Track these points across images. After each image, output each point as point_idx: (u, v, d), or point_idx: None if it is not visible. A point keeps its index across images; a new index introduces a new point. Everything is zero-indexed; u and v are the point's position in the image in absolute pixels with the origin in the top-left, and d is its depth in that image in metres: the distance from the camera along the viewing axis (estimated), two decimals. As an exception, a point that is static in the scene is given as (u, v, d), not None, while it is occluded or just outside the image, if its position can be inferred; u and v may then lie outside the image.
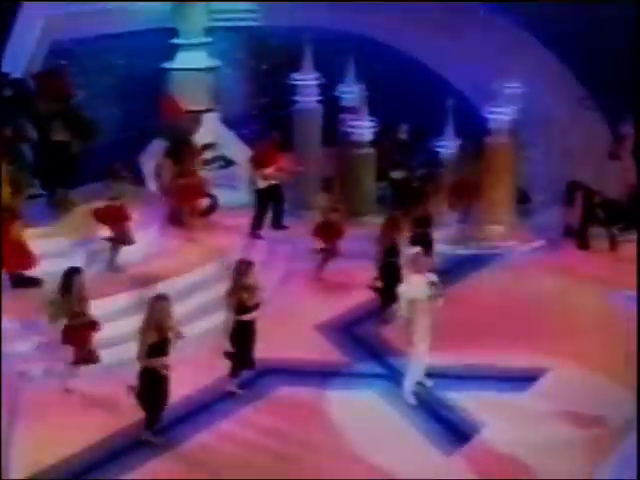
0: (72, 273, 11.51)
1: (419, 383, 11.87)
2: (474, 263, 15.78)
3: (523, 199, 18.04)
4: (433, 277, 11.54)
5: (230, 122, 17.70)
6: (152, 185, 16.68)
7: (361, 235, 15.46)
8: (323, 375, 12.19)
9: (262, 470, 10.14)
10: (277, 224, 16.12)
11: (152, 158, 16.70)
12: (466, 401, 11.40)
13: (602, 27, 17.05)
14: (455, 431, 10.87)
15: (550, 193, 18.38)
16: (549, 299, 14.40)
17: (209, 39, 17.17)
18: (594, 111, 17.64)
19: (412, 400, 11.62)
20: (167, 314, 10.40)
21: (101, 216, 13.29)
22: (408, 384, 11.73)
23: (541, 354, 12.45)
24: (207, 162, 16.63)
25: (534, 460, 10.24)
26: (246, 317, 11.43)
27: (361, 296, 14.18)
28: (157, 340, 10.24)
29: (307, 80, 16.84)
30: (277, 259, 15.28)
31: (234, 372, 11.63)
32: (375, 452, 10.42)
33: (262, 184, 15.66)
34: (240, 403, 11.47)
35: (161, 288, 12.11)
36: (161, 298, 10.52)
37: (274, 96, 18.58)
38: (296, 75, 16.91)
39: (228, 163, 17.70)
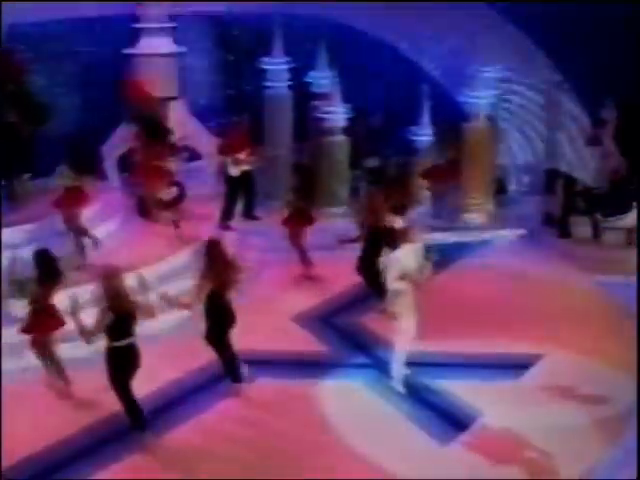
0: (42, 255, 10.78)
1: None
2: (454, 252, 15.03)
3: (499, 189, 17.42)
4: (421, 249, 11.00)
5: (195, 114, 16.81)
6: (114, 177, 15.94)
7: (334, 226, 14.90)
8: (303, 366, 11.43)
9: (243, 463, 9.36)
10: (248, 214, 15.30)
11: (115, 150, 15.89)
12: (460, 389, 10.70)
13: (577, 9, 16.50)
14: (451, 419, 10.17)
15: (526, 183, 17.86)
16: (534, 287, 13.77)
17: (173, 24, 16.31)
18: (570, 96, 17.04)
19: (401, 388, 10.92)
20: (120, 291, 9.48)
21: (58, 203, 12.70)
22: (396, 368, 11.03)
23: (533, 341, 11.82)
24: (173, 153, 15.81)
25: (537, 445, 9.62)
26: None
27: (338, 287, 13.49)
28: (114, 320, 9.38)
29: (277, 64, 16.09)
30: (248, 251, 14.47)
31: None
32: (366, 443, 9.70)
33: (234, 171, 14.86)
34: (217, 395, 10.67)
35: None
36: (110, 276, 9.62)
37: (241, 88, 17.82)
38: (266, 59, 16.17)
39: (194, 155, 16.89)
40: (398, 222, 11.54)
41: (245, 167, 14.80)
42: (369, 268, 12.83)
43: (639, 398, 10.05)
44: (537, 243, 15.61)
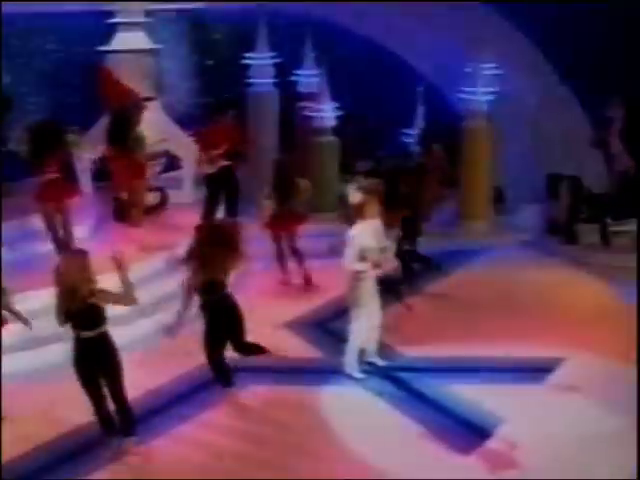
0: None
1: (370, 363, 10.23)
2: (457, 259, 13.90)
3: (497, 197, 16.30)
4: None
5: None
6: (87, 181, 14.68)
7: (323, 232, 13.58)
8: (298, 372, 10.17)
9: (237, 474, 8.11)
10: (231, 215, 14.03)
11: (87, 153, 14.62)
12: (480, 394, 9.46)
13: (576, 8, 15.54)
14: (471, 428, 8.89)
15: (525, 190, 16.73)
16: (547, 292, 12.58)
17: (149, 19, 15.12)
18: (571, 96, 15.99)
19: (357, 374, 9.98)
20: (80, 275, 8.10)
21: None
22: (350, 354, 10.00)
23: (553, 345, 10.64)
24: (150, 157, 14.58)
25: (565, 453, 8.40)
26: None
27: (331, 293, 12.13)
28: (74, 308, 8.07)
29: (261, 59, 14.93)
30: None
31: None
32: (378, 455, 8.41)
33: (211, 168, 13.61)
34: (202, 405, 9.37)
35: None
36: (69, 257, 8.34)
37: (220, 96, 16.67)
38: (249, 54, 15.01)
39: (174, 162, 15.66)
40: (354, 196, 10.31)
41: (222, 164, 13.56)
42: None
43: (639, 397, 8.94)
44: (542, 250, 14.45)
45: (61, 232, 11.58)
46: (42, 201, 11.45)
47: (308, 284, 12.80)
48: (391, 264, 10.44)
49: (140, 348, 10.43)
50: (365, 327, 9.99)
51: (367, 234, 9.77)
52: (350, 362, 10.04)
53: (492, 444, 8.60)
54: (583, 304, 12.22)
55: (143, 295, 11.33)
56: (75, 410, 8.72)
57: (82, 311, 8.05)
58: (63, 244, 11.42)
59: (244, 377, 9.87)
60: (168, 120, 15.30)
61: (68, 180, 14.00)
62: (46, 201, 11.44)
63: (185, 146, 15.08)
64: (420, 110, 15.70)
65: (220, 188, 13.76)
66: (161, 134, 14.94)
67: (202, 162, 13.54)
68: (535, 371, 10.06)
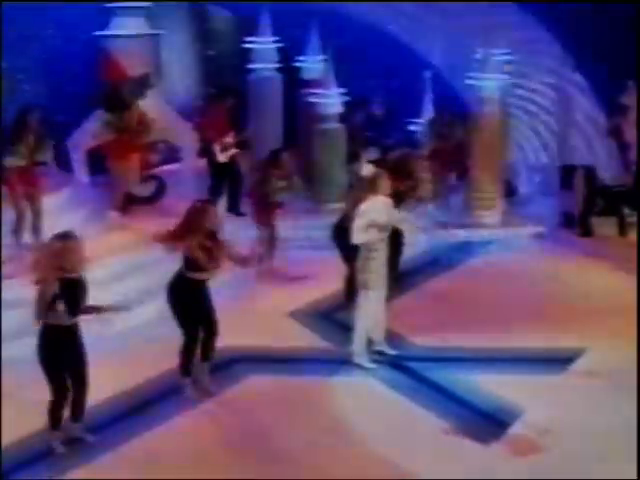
0: None
1: (379, 352, 9.57)
2: (468, 249, 13.32)
3: (508, 191, 15.66)
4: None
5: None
6: (82, 171, 14.11)
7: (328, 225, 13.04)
8: (305, 362, 9.52)
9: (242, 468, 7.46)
10: (234, 209, 13.43)
11: (83, 142, 14.00)
12: (498, 385, 8.80)
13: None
14: (490, 418, 8.23)
15: (538, 182, 16.15)
16: (563, 283, 11.95)
17: (148, 3, 14.54)
18: (584, 85, 15.35)
19: (367, 363, 9.35)
20: (72, 258, 7.46)
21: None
22: (358, 342, 9.38)
23: (573, 336, 10.00)
24: (149, 146, 13.99)
25: (588, 444, 7.80)
26: (199, 275, 8.53)
27: (335, 285, 11.35)
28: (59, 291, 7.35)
29: (264, 43, 14.31)
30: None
31: (184, 366, 8.73)
32: (394, 448, 7.75)
33: (222, 157, 13.02)
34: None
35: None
36: (63, 237, 7.61)
37: (222, 87, 16.09)
38: (251, 39, 14.39)
39: (173, 153, 15.05)
40: (366, 169, 9.71)
41: (233, 151, 12.97)
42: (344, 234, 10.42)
43: (639, 396, 8.32)
44: (556, 242, 13.79)
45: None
46: (10, 188, 10.84)
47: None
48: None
49: (137, 338, 9.89)
50: (373, 312, 9.39)
51: (378, 208, 9.16)
52: (359, 351, 9.40)
53: (512, 435, 7.99)
54: (601, 295, 11.55)
55: (140, 283, 11.03)
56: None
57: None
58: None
59: (245, 368, 9.31)
60: (168, 108, 14.70)
61: (63, 170, 13.60)
62: (13, 188, 10.83)
63: (185, 135, 14.51)
64: (428, 98, 15.12)
65: (224, 178, 13.22)
66: (160, 122, 14.35)
67: (215, 150, 13.03)
68: (554, 361, 9.42)
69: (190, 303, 8.53)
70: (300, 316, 10.83)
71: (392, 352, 9.62)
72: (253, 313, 10.83)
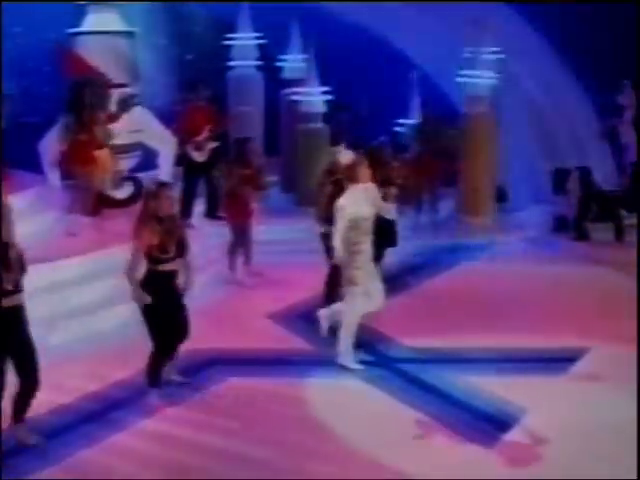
0: None
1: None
2: (458, 254, 12.58)
3: (498, 196, 15.00)
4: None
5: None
6: (53, 175, 13.33)
7: (310, 228, 12.31)
8: (285, 364, 8.74)
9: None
10: (211, 213, 12.63)
11: (54, 145, 13.21)
12: (498, 386, 8.04)
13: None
14: (491, 419, 7.48)
15: (529, 188, 15.45)
16: (564, 284, 11.28)
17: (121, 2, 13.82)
18: (577, 85, 14.69)
19: (353, 364, 8.56)
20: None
21: None
22: (344, 341, 8.58)
23: (574, 336, 9.23)
24: (123, 149, 13.23)
25: (591, 444, 7.08)
26: (164, 267, 7.72)
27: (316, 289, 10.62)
28: None
29: (244, 39, 13.63)
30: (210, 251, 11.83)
31: (151, 375, 7.91)
32: (388, 453, 6.94)
33: (198, 156, 12.26)
34: (170, 400, 7.92)
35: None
36: None
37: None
38: (231, 35, 13.71)
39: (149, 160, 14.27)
40: (345, 156, 9.02)
41: (210, 148, 12.21)
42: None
43: (639, 396, 7.65)
44: (550, 246, 13.16)
45: None
46: None
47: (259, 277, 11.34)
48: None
49: (114, 337, 9.13)
50: (361, 310, 8.66)
51: (360, 200, 8.41)
52: (344, 351, 8.59)
53: (512, 437, 7.24)
54: (598, 296, 10.85)
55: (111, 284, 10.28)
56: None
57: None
58: None
59: (222, 370, 8.55)
60: (143, 109, 13.97)
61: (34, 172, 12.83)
62: None
63: (161, 138, 13.74)
64: (415, 99, 14.48)
65: (199, 180, 12.45)
66: (135, 124, 13.59)
67: (190, 150, 12.26)
68: (551, 362, 8.68)
69: (160, 302, 7.72)
70: (279, 318, 10.07)
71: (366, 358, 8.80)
72: (231, 316, 10.11)
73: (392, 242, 10.34)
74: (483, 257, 12.51)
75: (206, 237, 12.08)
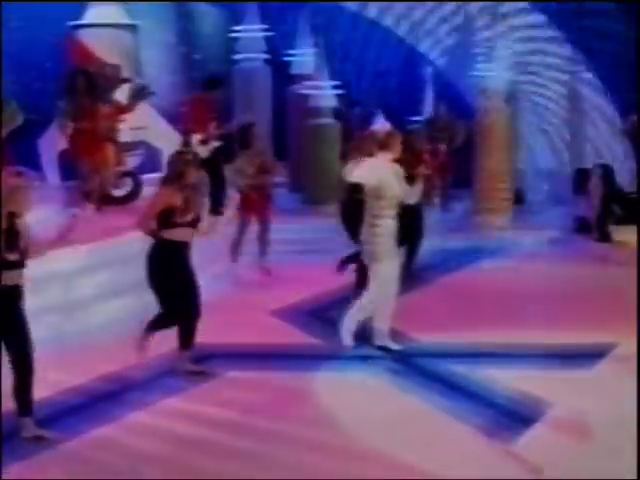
0: None
1: (382, 348, 8.08)
2: (477, 252, 11.95)
3: (516, 198, 14.37)
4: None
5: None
6: (53, 173, 12.81)
7: (320, 227, 11.70)
8: (292, 358, 8.07)
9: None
10: (216, 208, 12.05)
11: (54, 143, 12.69)
12: (521, 381, 7.35)
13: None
14: (513, 415, 6.78)
15: (548, 190, 14.83)
16: (588, 282, 10.67)
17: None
18: (596, 85, 14.05)
19: (348, 340, 8.04)
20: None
21: None
22: (352, 316, 8.06)
23: (601, 332, 8.52)
24: (127, 147, 12.67)
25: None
26: (176, 235, 7.23)
27: (329, 285, 10.08)
28: None
29: (251, 32, 13.03)
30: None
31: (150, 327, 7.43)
32: (406, 451, 6.22)
33: (201, 150, 11.63)
34: (166, 392, 7.28)
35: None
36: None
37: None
38: (238, 27, 13.13)
39: (154, 161, 13.68)
40: (378, 125, 8.47)
41: (215, 144, 11.62)
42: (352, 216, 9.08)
43: (639, 396, 6.99)
44: (572, 247, 12.51)
45: None
46: None
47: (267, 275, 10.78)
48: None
49: (106, 332, 8.50)
50: (384, 291, 7.91)
51: (386, 172, 7.80)
52: (347, 325, 8.01)
53: (534, 432, 6.59)
54: (622, 295, 10.20)
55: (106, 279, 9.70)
56: None
57: None
58: None
59: (221, 363, 7.90)
60: (147, 106, 13.41)
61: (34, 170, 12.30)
62: None
63: (167, 137, 13.16)
64: (428, 97, 13.89)
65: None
66: (138, 121, 13.03)
67: (194, 143, 11.67)
68: (573, 357, 8.03)
69: (170, 272, 7.23)
70: (285, 314, 9.41)
71: (396, 347, 8.16)
72: (234, 311, 9.48)
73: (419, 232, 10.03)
74: (499, 257, 11.88)
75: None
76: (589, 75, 14.08)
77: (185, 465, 6.02)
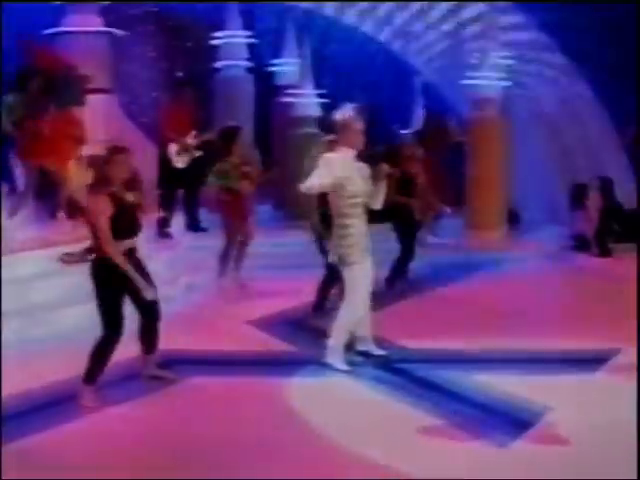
0: None
1: (364, 353, 7.37)
2: (471, 266, 11.20)
3: (511, 218, 13.69)
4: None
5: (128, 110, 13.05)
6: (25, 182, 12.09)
7: (303, 242, 10.98)
8: (259, 364, 7.35)
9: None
10: (193, 224, 11.32)
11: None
12: (520, 386, 6.69)
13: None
14: (510, 419, 6.08)
15: (543, 210, 14.13)
16: (588, 292, 10.06)
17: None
18: (594, 94, 13.39)
19: (342, 366, 7.08)
20: None
21: None
22: (336, 337, 7.15)
23: (603, 339, 7.89)
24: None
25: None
26: (123, 244, 6.40)
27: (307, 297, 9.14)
28: None
29: (233, 37, 12.38)
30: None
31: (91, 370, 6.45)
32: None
33: (179, 161, 10.97)
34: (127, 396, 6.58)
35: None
36: None
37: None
38: (219, 34, 12.50)
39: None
40: (339, 113, 7.70)
41: (194, 155, 10.94)
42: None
43: (639, 396, 6.34)
44: (569, 262, 11.84)
45: None
46: None
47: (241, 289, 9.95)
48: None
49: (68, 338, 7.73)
50: (361, 299, 7.15)
51: (351, 168, 7.06)
52: (334, 347, 7.13)
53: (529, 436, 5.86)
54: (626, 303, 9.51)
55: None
56: None
57: None
58: None
59: (188, 369, 7.18)
60: (125, 120, 12.77)
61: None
62: None
63: (144, 152, 12.49)
64: (418, 107, 13.29)
65: (178, 186, 11.15)
66: (115, 136, 12.35)
67: (170, 153, 10.98)
68: (589, 362, 7.38)
69: (117, 287, 6.40)
70: (261, 324, 8.65)
71: (380, 352, 7.44)
72: (208, 321, 8.77)
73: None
74: (494, 270, 11.15)
75: (186, 249, 10.90)
76: (585, 85, 13.43)
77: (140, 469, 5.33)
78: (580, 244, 12.52)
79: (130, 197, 6.50)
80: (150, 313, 6.66)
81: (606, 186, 12.44)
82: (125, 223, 6.37)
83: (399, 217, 9.71)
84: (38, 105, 9.84)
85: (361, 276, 7.10)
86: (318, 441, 5.76)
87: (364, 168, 7.22)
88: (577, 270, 11.35)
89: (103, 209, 6.29)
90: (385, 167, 7.26)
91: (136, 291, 6.40)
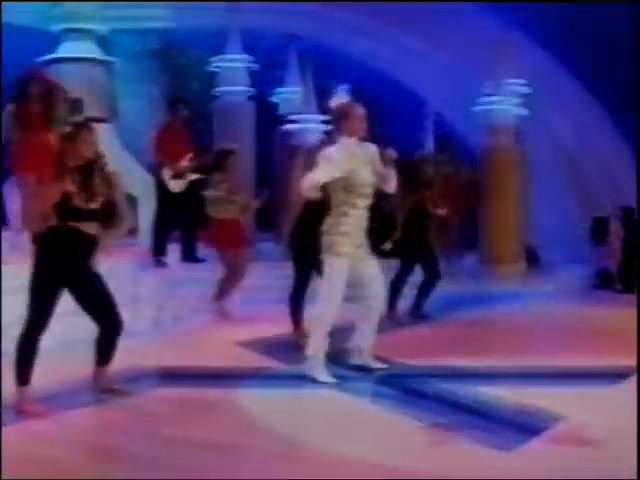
0: None
1: (360, 367, 6.58)
2: (487, 300, 10.37)
3: (529, 257, 12.87)
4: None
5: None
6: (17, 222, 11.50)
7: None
8: (233, 378, 6.51)
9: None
10: (189, 254, 10.53)
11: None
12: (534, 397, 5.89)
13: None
14: (518, 426, 5.35)
15: (562, 247, 13.25)
16: (611, 321, 9.31)
17: (102, 28, 12.19)
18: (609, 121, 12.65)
19: (326, 377, 6.24)
20: None
21: None
22: (314, 343, 6.35)
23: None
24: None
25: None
26: (82, 225, 5.62)
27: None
28: None
29: (233, 62, 11.75)
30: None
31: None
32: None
33: (175, 185, 10.22)
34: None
35: None
36: None
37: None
38: (218, 59, 11.89)
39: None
40: (333, 100, 6.96)
41: (191, 178, 10.21)
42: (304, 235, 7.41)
43: (639, 398, 5.72)
44: (592, 298, 11.01)
45: None
46: None
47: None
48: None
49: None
50: (339, 295, 6.31)
51: (358, 158, 6.30)
52: (314, 356, 6.31)
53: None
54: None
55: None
56: None
57: None
58: None
59: (154, 382, 6.42)
60: (121, 149, 12.17)
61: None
62: None
63: (140, 181, 11.82)
64: (429, 138, 12.60)
65: (174, 212, 10.39)
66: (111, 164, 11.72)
67: (165, 177, 10.25)
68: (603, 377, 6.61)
69: (61, 272, 5.64)
70: (248, 344, 7.88)
71: (379, 365, 6.62)
72: (192, 342, 8.04)
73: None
74: (511, 305, 10.33)
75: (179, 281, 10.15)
76: (601, 114, 12.72)
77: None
78: (603, 281, 11.69)
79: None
80: (108, 325, 5.90)
81: (628, 216, 11.62)
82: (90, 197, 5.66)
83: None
84: (36, 112, 9.23)
85: (345, 272, 6.28)
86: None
87: (372, 150, 6.44)
88: (596, 305, 10.47)
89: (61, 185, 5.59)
90: (390, 151, 6.51)
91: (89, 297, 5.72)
